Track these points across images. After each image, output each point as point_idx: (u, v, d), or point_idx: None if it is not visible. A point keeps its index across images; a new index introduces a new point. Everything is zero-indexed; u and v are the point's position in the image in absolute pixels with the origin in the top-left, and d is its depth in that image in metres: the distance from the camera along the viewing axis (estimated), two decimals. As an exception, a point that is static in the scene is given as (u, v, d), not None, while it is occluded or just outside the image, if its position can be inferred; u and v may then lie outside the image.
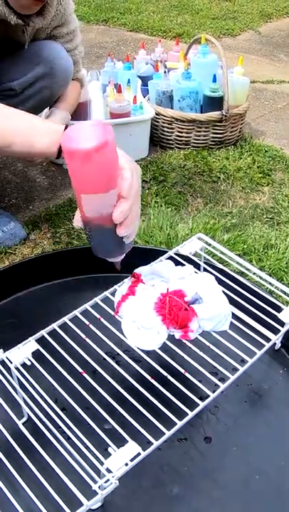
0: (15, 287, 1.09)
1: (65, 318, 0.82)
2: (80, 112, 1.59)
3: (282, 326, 0.84)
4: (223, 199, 1.52)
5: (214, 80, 1.71)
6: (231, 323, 0.81)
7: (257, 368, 0.90)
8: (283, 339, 0.94)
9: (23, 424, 0.74)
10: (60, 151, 0.84)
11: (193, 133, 1.74)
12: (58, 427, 0.67)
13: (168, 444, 0.79)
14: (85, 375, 0.75)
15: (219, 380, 0.75)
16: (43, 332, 0.79)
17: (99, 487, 0.61)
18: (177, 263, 0.89)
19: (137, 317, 0.78)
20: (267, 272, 1.18)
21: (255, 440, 0.82)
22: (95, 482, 0.61)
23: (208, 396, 0.73)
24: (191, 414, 0.70)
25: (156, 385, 0.73)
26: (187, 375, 0.76)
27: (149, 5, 3.80)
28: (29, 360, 0.75)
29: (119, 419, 0.68)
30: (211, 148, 1.79)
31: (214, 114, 1.71)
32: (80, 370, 0.75)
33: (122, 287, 0.84)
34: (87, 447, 0.66)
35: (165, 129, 1.77)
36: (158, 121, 1.76)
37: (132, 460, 0.63)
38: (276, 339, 0.83)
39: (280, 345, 0.96)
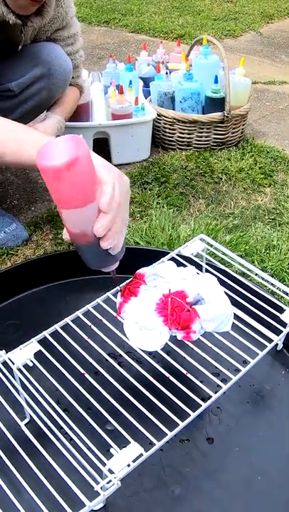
0: (17, 288, 1.09)
1: (67, 319, 0.82)
2: (81, 114, 1.59)
3: (284, 327, 0.84)
4: (224, 200, 1.52)
5: (216, 81, 1.71)
6: (233, 324, 0.81)
7: (259, 369, 0.90)
8: (285, 340, 0.94)
9: (25, 425, 0.74)
10: None
11: (194, 134, 1.74)
12: (60, 428, 0.67)
13: (170, 445, 0.79)
14: (87, 376, 0.75)
15: (221, 381, 0.75)
16: (45, 333, 0.79)
17: (101, 488, 0.61)
18: (179, 264, 0.90)
19: (139, 318, 0.78)
20: (269, 273, 1.18)
21: (258, 441, 0.82)
22: (97, 483, 0.61)
23: (210, 397, 0.73)
24: (193, 415, 0.70)
25: (158, 386, 0.73)
26: (189, 376, 0.76)
27: (151, 6, 3.81)
28: (31, 361, 0.75)
29: (122, 420, 0.68)
30: (212, 149, 1.79)
31: (216, 115, 1.71)
32: (82, 371, 0.75)
33: (124, 288, 0.84)
34: (89, 448, 0.66)
35: (167, 130, 1.77)
36: (160, 123, 1.76)
37: (134, 461, 0.63)
38: (278, 340, 0.83)
39: (282, 345, 0.96)
